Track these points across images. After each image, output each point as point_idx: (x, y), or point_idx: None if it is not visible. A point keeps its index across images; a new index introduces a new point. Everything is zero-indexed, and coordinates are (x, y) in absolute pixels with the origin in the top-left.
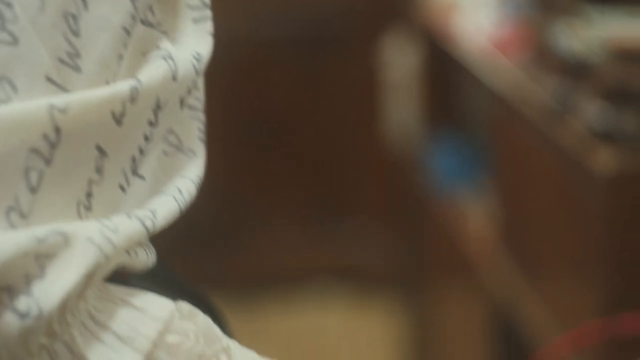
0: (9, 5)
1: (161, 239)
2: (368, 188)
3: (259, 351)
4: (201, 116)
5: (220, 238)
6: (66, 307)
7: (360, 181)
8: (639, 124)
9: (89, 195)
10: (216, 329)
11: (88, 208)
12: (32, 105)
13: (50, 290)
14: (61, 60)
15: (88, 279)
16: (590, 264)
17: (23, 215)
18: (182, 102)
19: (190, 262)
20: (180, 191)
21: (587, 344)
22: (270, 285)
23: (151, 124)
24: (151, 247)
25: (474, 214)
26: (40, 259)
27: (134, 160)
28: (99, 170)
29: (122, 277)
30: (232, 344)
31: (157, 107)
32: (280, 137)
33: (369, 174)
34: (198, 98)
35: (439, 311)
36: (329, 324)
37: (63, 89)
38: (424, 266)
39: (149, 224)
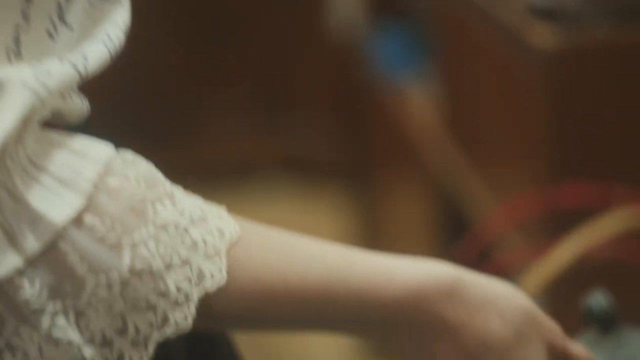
0: None
1: (111, 131)
2: (314, 80)
3: None
4: None
5: (169, 131)
6: (5, 152)
7: (307, 73)
8: (579, 0)
9: (16, 40)
10: (159, 175)
11: (17, 54)
12: None
13: None
14: None
15: (25, 124)
16: (530, 139)
17: None
18: None
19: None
20: (109, 37)
21: (526, 217)
22: (218, 178)
23: None
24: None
25: (419, 101)
26: None
27: (59, 6)
28: (25, 15)
29: (58, 128)
30: (177, 191)
31: None
32: (227, 30)
33: (314, 66)
34: None
35: (386, 201)
36: (276, 216)
37: None
38: (370, 157)
39: (81, 68)
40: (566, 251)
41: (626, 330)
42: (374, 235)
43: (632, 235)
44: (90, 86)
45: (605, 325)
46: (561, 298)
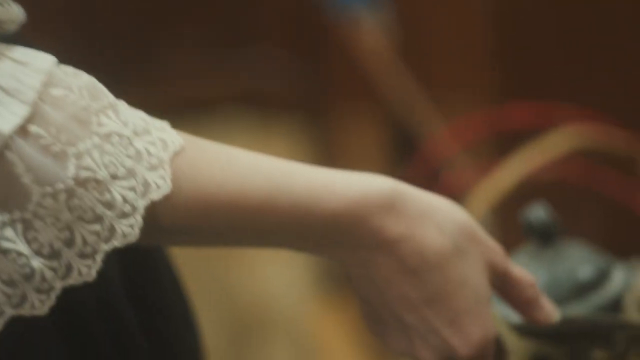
0: None
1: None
2: (270, 14)
3: None
4: None
5: (125, 68)
6: None
7: (262, 8)
8: None
9: None
10: (102, 87)
11: None
12: None
13: None
14: None
15: None
16: (476, 61)
17: None
18: None
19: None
20: None
21: (473, 138)
22: (175, 113)
23: None
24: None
25: (372, 30)
26: None
27: None
28: None
29: None
30: (120, 103)
31: None
32: None
33: (270, 1)
34: None
35: (342, 132)
36: (232, 144)
37: None
38: (326, 88)
39: None
40: (511, 171)
41: (566, 242)
42: (330, 166)
43: (576, 154)
44: (47, 24)
45: (544, 237)
46: (507, 218)
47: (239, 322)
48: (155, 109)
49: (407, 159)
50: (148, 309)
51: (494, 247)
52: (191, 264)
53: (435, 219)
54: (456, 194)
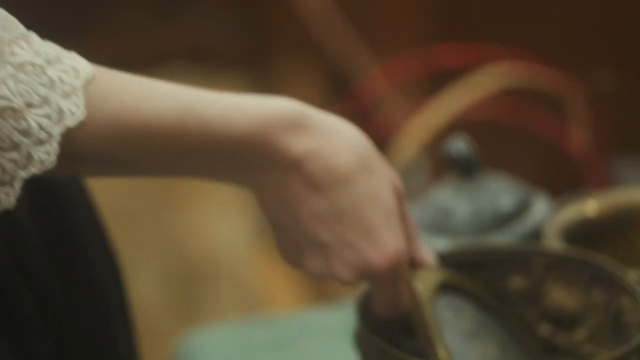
0: None
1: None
2: None
3: None
4: None
5: (68, 26)
6: None
7: None
8: None
9: None
10: (13, 18)
11: None
12: None
13: None
14: None
15: None
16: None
17: None
18: None
19: None
20: None
21: (404, 77)
22: (118, 68)
23: None
24: None
25: None
26: None
27: None
28: None
29: None
30: (31, 33)
31: None
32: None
33: None
34: None
35: (285, 85)
36: None
37: None
38: (268, 43)
39: None
40: (441, 110)
41: (488, 175)
42: None
43: (505, 93)
44: None
45: (465, 169)
46: (438, 157)
47: (184, 273)
48: (98, 64)
49: (342, 97)
50: (64, 252)
51: (393, 172)
52: (137, 216)
53: (343, 137)
54: (388, 133)
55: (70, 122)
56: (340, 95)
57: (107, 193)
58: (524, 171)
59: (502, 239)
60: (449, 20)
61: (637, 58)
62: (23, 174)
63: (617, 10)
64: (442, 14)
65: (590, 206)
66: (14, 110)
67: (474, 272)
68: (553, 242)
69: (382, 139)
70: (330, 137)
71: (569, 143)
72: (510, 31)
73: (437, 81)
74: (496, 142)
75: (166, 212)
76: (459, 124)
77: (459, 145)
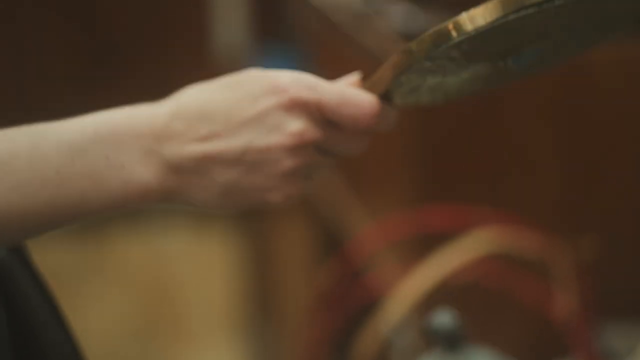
0: None
1: None
2: None
3: (99, 282)
4: None
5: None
6: None
7: None
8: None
9: None
10: None
11: None
12: None
13: None
14: None
15: None
16: (396, 159)
17: None
18: None
19: None
20: None
21: (392, 238)
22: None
23: None
24: None
25: None
26: None
27: None
28: None
29: None
30: None
31: None
32: (114, 54)
33: None
34: None
35: (272, 228)
36: (170, 247)
37: None
38: None
39: None
40: (428, 274)
41: (471, 349)
42: (262, 262)
43: (491, 257)
44: None
45: (449, 343)
46: (425, 319)
47: None
48: None
49: (333, 257)
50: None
51: (303, 88)
52: (124, 351)
53: (214, 120)
54: (377, 294)
55: None
56: (329, 253)
57: (95, 333)
58: (509, 338)
59: None
60: (438, 182)
61: (624, 224)
62: None
63: (604, 177)
64: (430, 176)
65: None
66: None
67: None
68: None
69: (371, 299)
70: (203, 122)
71: (555, 310)
72: (497, 194)
73: (425, 243)
74: (481, 307)
75: (153, 345)
76: (445, 288)
77: (443, 319)
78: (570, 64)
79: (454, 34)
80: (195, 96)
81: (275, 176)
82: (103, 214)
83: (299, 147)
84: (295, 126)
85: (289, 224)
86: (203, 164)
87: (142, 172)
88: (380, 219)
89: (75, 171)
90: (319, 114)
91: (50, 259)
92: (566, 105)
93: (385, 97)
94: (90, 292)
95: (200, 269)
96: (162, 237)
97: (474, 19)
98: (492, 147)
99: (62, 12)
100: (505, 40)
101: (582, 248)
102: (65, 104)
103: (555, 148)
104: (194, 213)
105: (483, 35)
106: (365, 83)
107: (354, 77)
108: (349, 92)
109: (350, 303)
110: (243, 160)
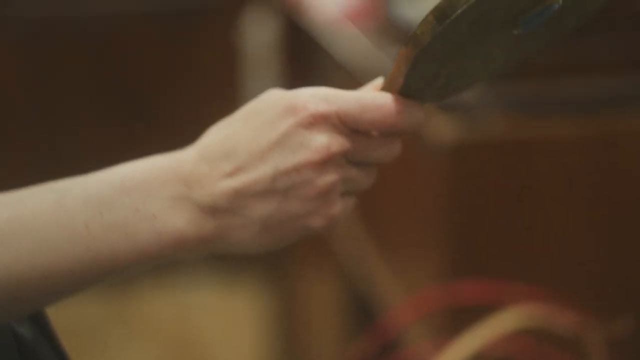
0: None
1: None
2: None
3: (122, 335)
4: None
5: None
6: None
7: None
8: (477, 94)
9: None
10: None
11: None
12: None
13: None
14: None
15: None
16: (428, 231)
17: None
18: None
19: None
20: None
21: (428, 311)
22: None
23: None
24: None
25: None
26: None
27: None
28: None
29: None
30: None
31: None
32: (143, 111)
33: None
34: None
35: (301, 288)
36: (198, 302)
37: None
38: (288, 251)
39: None
40: (461, 349)
41: None
42: (290, 320)
43: (524, 332)
44: None
45: None
46: None
47: None
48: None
49: (363, 316)
50: None
51: (325, 103)
52: None
53: (236, 154)
54: None
55: None
56: (357, 317)
57: None
58: None
59: None
60: (471, 257)
61: None
62: None
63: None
64: (463, 250)
65: None
66: None
67: None
68: None
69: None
70: (228, 159)
71: None
72: (530, 269)
73: (458, 318)
74: None
75: None
76: None
77: None
78: (600, 134)
79: (457, 2)
80: (217, 134)
81: (312, 198)
82: (137, 269)
83: (328, 162)
84: (320, 141)
85: (318, 282)
86: (236, 201)
87: (174, 220)
88: (413, 293)
89: (105, 225)
90: (342, 125)
91: (73, 309)
92: (601, 177)
93: (406, 93)
94: (114, 344)
95: (226, 325)
96: (188, 291)
97: None
98: (525, 222)
99: (95, 73)
100: (508, 2)
101: (616, 326)
102: (97, 163)
103: (590, 223)
104: (221, 267)
105: (479, 3)
106: (384, 84)
107: (377, 81)
108: (367, 97)
109: None
110: (275, 187)
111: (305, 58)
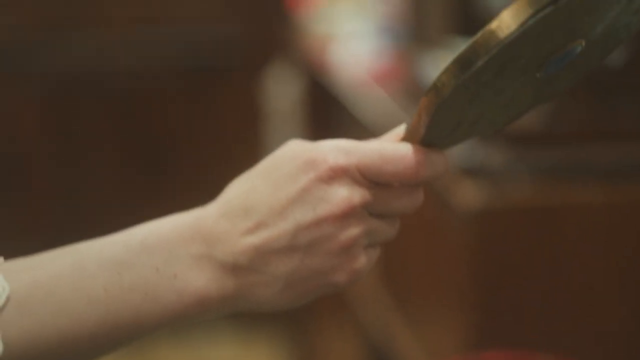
0: None
1: None
2: None
3: None
4: None
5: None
6: None
7: None
8: (504, 158)
9: None
10: None
11: None
12: None
13: None
14: None
15: None
16: (454, 298)
17: None
18: None
19: None
20: None
21: None
22: None
23: None
24: None
25: None
26: None
27: None
28: None
29: None
30: None
31: None
32: (167, 167)
33: None
34: None
35: (320, 345)
36: (214, 358)
37: None
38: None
39: None
40: None
41: None
42: None
43: None
44: None
45: None
46: None
47: None
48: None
49: None
50: None
51: (342, 157)
52: None
53: (256, 217)
54: None
55: None
56: None
57: None
58: None
59: None
60: (495, 326)
61: None
62: None
63: None
64: (488, 319)
65: None
66: None
67: None
68: None
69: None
70: (246, 220)
71: None
72: (557, 339)
73: None
74: None
75: None
76: None
77: None
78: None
79: (478, 53)
80: (237, 189)
81: (335, 253)
82: (160, 329)
83: (350, 215)
84: (340, 194)
85: (337, 340)
86: (257, 258)
87: (196, 279)
88: (437, 354)
89: (125, 287)
90: (362, 177)
91: None
92: (631, 246)
93: (427, 142)
94: None
95: None
96: (207, 346)
97: (493, 34)
98: (552, 291)
99: (118, 128)
100: (532, 48)
101: None
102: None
103: (621, 293)
104: (240, 322)
105: (505, 49)
106: (405, 134)
107: (399, 129)
108: (387, 148)
109: None
110: (297, 243)
111: (327, 117)
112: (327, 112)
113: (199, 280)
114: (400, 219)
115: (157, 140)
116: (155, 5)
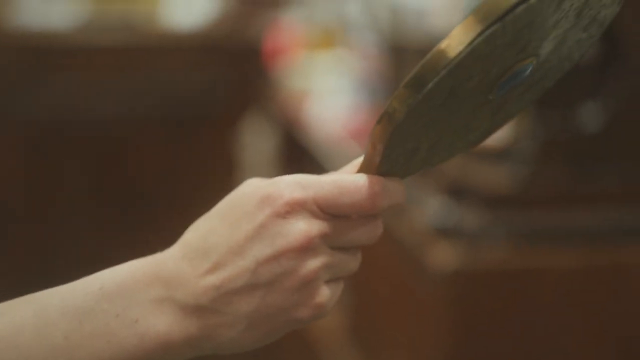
0: None
1: None
2: None
3: None
4: None
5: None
6: None
7: None
8: (480, 221)
9: None
10: None
11: None
12: None
13: None
14: None
15: None
16: (430, 339)
17: None
18: None
19: None
20: None
21: None
22: None
23: None
24: None
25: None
26: None
27: None
28: None
29: None
30: None
31: None
32: (143, 215)
33: None
34: None
35: None
36: None
37: None
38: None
39: None
40: None
41: None
42: None
43: None
44: None
45: None
46: None
47: None
48: None
49: None
50: None
51: (300, 192)
52: None
53: (212, 259)
54: None
55: None
56: None
57: None
58: None
59: None
60: None
61: None
62: None
63: None
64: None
65: None
66: None
67: None
68: None
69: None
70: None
71: None
72: None
73: None
74: None
75: None
76: None
77: None
78: (604, 265)
79: (427, 75)
80: (197, 231)
81: (296, 288)
82: None
83: (308, 248)
84: (298, 227)
85: None
86: (219, 298)
87: (158, 323)
88: None
89: (85, 334)
90: (320, 210)
91: None
92: (607, 309)
93: (385, 171)
94: None
95: None
96: None
97: (442, 54)
98: (525, 355)
99: (95, 177)
100: (482, 67)
101: None
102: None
103: (598, 358)
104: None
105: (454, 70)
106: (362, 164)
107: (358, 160)
108: (343, 180)
109: None
110: (257, 280)
111: (301, 172)
112: (301, 166)
113: (160, 324)
114: (376, 275)
115: (135, 189)
116: (135, 54)
